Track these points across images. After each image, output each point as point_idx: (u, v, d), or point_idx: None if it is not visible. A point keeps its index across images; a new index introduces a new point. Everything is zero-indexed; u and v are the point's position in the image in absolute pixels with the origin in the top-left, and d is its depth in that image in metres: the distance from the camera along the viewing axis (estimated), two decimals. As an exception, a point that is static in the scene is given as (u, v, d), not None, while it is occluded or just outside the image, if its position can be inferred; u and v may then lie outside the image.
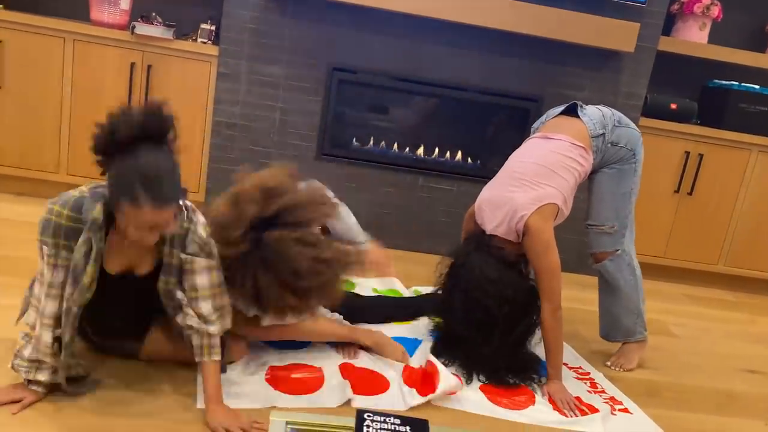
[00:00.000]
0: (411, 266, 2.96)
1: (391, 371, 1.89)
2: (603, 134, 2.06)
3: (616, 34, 2.90)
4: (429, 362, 1.85)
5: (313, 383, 1.75)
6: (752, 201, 3.29)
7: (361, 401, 1.69)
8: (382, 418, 1.35)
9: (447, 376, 1.78)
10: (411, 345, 2.06)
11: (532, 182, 1.94)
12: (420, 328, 2.22)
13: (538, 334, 1.96)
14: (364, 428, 1.31)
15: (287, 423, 1.36)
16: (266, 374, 1.76)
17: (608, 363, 2.25)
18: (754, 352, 2.61)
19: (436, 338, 2.08)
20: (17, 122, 2.88)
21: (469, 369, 1.94)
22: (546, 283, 1.90)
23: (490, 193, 2.02)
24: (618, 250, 2.15)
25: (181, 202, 1.43)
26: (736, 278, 3.41)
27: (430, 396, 1.74)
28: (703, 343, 2.61)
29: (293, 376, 1.77)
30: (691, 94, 3.44)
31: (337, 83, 2.99)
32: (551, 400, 1.89)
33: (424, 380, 1.82)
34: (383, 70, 3.02)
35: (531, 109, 3.11)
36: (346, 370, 1.84)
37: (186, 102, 2.94)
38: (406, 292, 2.56)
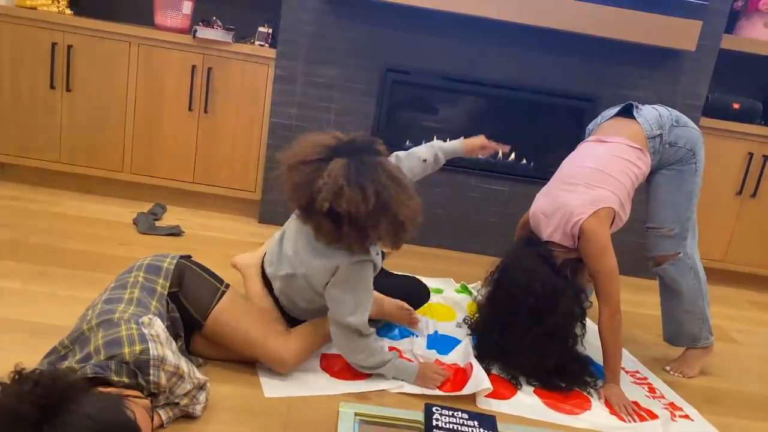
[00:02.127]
0: (461, 266, 2.96)
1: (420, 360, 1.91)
2: (660, 135, 2.02)
3: (677, 33, 2.83)
4: (468, 363, 1.85)
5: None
6: None
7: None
8: (450, 413, 1.37)
9: (479, 378, 1.77)
10: (451, 344, 2.07)
11: (587, 185, 1.92)
12: (464, 329, 2.22)
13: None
14: (433, 421, 1.32)
15: (356, 414, 1.39)
16: (320, 363, 1.83)
17: (667, 368, 2.21)
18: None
19: (474, 341, 2.06)
20: (85, 124, 3.02)
21: (510, 372, 1.93)
22: (604, 287, 1.88)
23: (544, 200, 2.02)
24: (679, 253, 2.11)
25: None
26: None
27: (454, 393, 1.75)
28: (767, 350, 2.53)
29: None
30: (756, 94, 3.32)
31: (391, 84, 3.02)
32: (608, 404, 1.87)
33: (454, 378, 1.83)
34: (436, 71, 3.03)
35: (586, 109, 3.07)
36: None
37: (244, 103, 3.01)
38: (452, 290, 2.58)
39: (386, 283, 2.17)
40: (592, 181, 1.92)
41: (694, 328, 2.16)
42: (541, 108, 3.17)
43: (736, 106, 3.09)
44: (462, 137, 2.22)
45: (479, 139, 2.19)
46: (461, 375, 1.83)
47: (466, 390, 1.76)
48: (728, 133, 3.08)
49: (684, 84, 3.02)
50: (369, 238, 1.57)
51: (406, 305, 2.04)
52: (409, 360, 1.89)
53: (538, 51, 3.01)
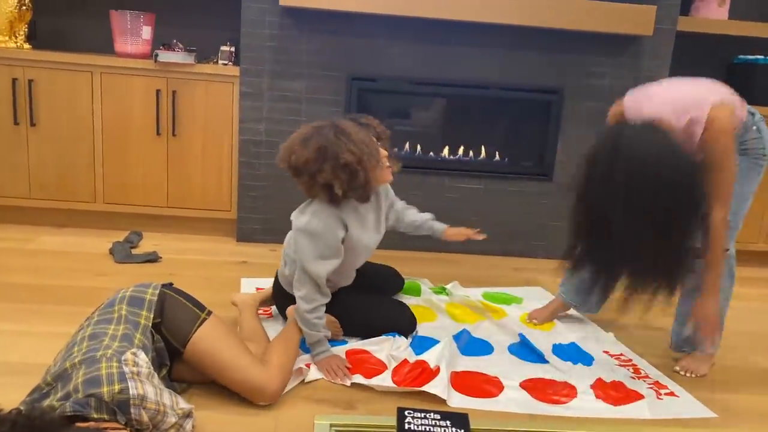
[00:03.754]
0: (443, 267, 2.97)
1: (393, 362, 1.92)
2: (753, 113, 1.91)
3: (633, 19, 2.88)
4: (437, 366, 1.86)
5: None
6: None
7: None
8: (423, 414, 1.37)
9: (440, 383, 1.78)
10: (428, 344, 2.07)
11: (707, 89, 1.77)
12: (444, 330, 2.22)
13: None
14: (406, 425, 1.33)
15: (331, 425, 1.39)
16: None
17: (677, 368, 2.08)
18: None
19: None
20: (53, 157, 2.99)
21: (609, 266, 1.71)
22: (723, 186, 1.72)
23: (651, 91, 1.84)
24: (727, 249, 1.95)
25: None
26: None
27: (408, 389, 1.77)
28: (750, 323, 2.56)
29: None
30: (717, 73, 3.39)
31: (357, 92, 3.03)
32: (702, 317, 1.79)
33: (418, 375, 1.83)
34: (402, 76, 3.04)
35: (552, 101, 3.10)
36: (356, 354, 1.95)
37: (212, 123, 3.01)
38: (429, 290, 2.60)
39: (377, 307, 2.19)
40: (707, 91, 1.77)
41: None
42: (508, 103, 3.20)
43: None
44: (447, 226, 2.37)
45: (458, 231, 2.34)
46: (426, 374, 1.83)
47: (426, 388, 1.76)
48: (693, 113, 3.13)
49: (645, 68, 3.07)
50: (316, 184, 1.82)
51: (334, 320, 2.06)
52: (381, 361, 1.93)
53: (501, 48, 3.04)
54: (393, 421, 1.35)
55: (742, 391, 1.99)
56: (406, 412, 1.36)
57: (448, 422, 1.36)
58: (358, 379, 1.82)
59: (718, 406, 1.86)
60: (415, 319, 2.18)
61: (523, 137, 3.27)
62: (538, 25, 2.89)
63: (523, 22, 2.88)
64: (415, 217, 2.36)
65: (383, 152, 1.95)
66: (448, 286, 2.61)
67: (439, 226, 2.36)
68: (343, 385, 1.82)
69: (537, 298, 2.65)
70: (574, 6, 2.87)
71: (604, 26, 2.89)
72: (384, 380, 1.81)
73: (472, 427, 1.41)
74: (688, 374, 2.06)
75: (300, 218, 1.90)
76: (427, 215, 2.38)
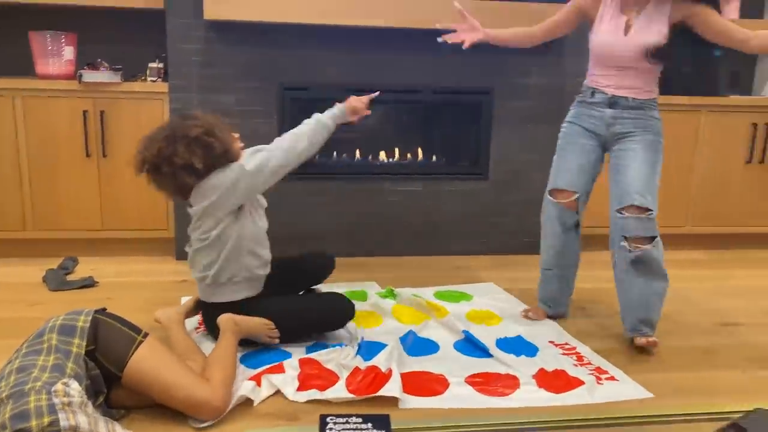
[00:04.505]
0: (391, 271, 2.99)
1: (344, 371, 1.92)
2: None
3: (554, 18, 2.97)
4: (389, 369, 1.87)
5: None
6: (708, 159, 3.37)
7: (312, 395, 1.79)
8: (344, 419, 1.39)
9: (394, 385, 1.79)
10: (375, 348, 2.08)
11: None
12: (391, 333, 2.24)
13: None
14: (327, 430, 1.33)
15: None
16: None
17: (642, 341, 2.17)
18: (729, 305, 2.68)
19: None
20: (-24, 185, 2.87)
21: None
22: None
23: None
24: (656, 236, 2.15)
25: None
26: (703, 237, 3.49)
27: (366, 396, 1.77)
28: (681, 304, 2.68)
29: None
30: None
31: (290, 102, 3.02)
32: None
33: (372, 381, 1.83)
34: (335, 83, 3.06)
35: (484, 101, 3.17)
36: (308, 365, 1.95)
37: (143, 142, 2.94)
38: (375, 295, 2.61)
39: (310, 302, 2.18)
40: None
41: (657, 314, 2.18)
42: (442, 106, 3.26)
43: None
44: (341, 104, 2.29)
45: (354, 100, 2.30)
46: (379, 378, 1.84)
47: (382, 392, 1.76)
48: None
49: (569, 65, 3.17)
50: (178, 170, 1.85)
51: (268, 322, 2.02)
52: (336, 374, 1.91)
53: (431, 53, 3.09)
54: (315, 429, 1.35)
55: (676, 370, 2.08)
56: (328, 419, 1.37)
57: (370, 424, 1.37)
58: (314, 394, 1.78)
59: (653, 386, 1.94)
60: (352, 304, 2.15)
61: (459, 138, 3.33)
62: (465, 28, 2.96)
63: (449, 27, 2.93)
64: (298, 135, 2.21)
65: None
66: (396, 289, 2.63)
67: (337, 113, 2.31)
68: None
69: (488, 293, 2.71)
70: (498, 9, 2.95)
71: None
72: (339, 391, 1.79)
73: (417, 426, 1.44)
74: (651, 341, 2.16)
75: (207, 194, 1.91)
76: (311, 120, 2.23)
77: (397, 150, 3.33)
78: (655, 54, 2.10)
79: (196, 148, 1.86)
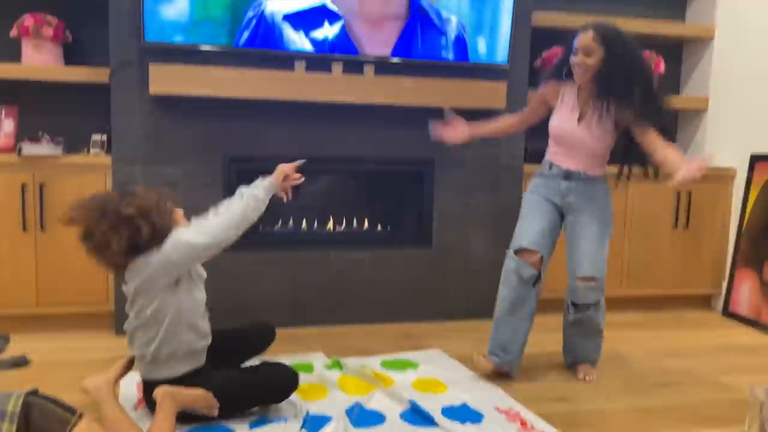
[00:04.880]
0: (338, 341, 2.98)
1: None
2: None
3: (488, 95, 3.16)
4: None
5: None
6: (639, 225, 3.55)
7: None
8: None
9: None
10: (320, 422, 2.05)
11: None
12: (337, 405, 2.21)
13: None
14: None
15: None
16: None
17: (580, 376, 2.58)
18: (667, 365, 2.77)
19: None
20: None
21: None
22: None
23: None
24: (599, 300, 2.52)
25: None
26: (639, 299, 3.63)
27: None
28: (619, 365, 2.76)
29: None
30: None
31: (236, 173, 3.06)
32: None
33: None
34: (281, 155, 3.07)
35: (425, 171, 3.29)
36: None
37: (84, 214, 2.90)
38: (321, 366, 2.58)
39: (252, 373, 2.14)
40: None
41: (597, 354, 2.62)
42: (386, 176, 3.36)
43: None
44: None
45: (283, 166, 2.29)
46: None
47: None
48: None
49: (504, 138, 3.33)
50: (95, 240, 1.82)
51: (207, 393, 1.97)
52: None
53: (375, 126, 3.20)
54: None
55: (618, 431, 2.13)
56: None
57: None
58: None
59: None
60: (296, 375, 2.13)
61: (403, 206, 3.42)
62: (407, 104, 3.10)
63: (390, 102, 3.08)
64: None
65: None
66: (343, 360, 2.62)
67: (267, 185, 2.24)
68: None
69: (434, 361, 2.72)
70: (437, 85, 3.10)
71: (464, 102, 3.14)
72: None
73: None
74: (587, 378, 2.55)
75: (139, 273, 1.87)
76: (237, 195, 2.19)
77: (343, 219, 3.38)
78: (603, 144, 2.46)
79: (123, 228, 1.82)
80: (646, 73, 2.37)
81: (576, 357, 2.63)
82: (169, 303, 1.91)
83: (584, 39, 2.35)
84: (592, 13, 3.62)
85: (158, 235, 1.88)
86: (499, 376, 2.53)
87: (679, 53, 3.97)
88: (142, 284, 1.89)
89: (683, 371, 2.69)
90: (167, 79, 2.81)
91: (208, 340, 2.07)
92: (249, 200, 2.05)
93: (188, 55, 2.88)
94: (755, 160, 3.47)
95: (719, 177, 3.59)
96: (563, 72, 2.47)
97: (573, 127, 2.45)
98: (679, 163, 2.18)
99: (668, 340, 3.14)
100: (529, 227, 2.50)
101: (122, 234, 1.81)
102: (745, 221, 3.49)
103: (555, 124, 2.51)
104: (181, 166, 2.99)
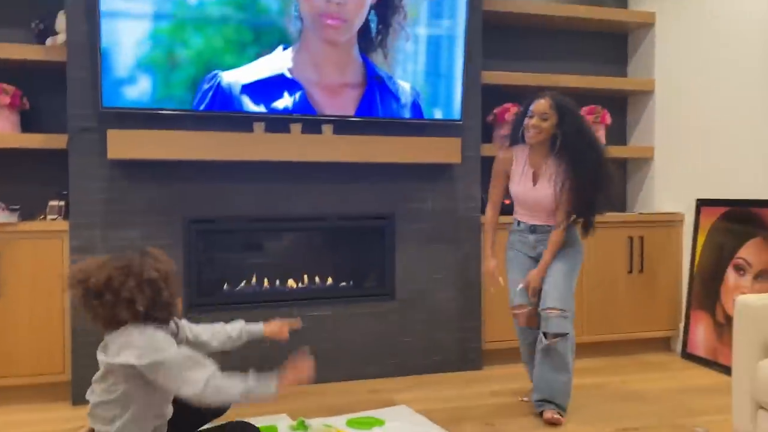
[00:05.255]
0: (303, 401, 2.94)
1: None
2: None
3: (444, 150, 3.26)
4: None
5: None
6: (595, 271, 3.62)
7: None
8: None
9: None
10: None
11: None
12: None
13: None
14: None
15: None
16: None
17: (548, 416, 2.64)
18: (626, 409, 2.81)
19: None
20: None
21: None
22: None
23: None
24: (567, 332, 2.65)
25: None
26: (598, 344, 3.66)
27: None
28: (582, 413, 2.78)
29: None
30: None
31: (196, 235, 3.06)
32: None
33: None
34: (241, 215, 3.14)
35: (386, 226, 3.34)
36: None
37: (41, 281, 2.86)
38: (286, 428, 2.56)
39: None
40: None
41: (566, 397, 2.68)
42: (347, 232, 3.41)
43: (507, 201, 3.54)
44: (262, 322, 2.29)
45: (276, 324, 2.32)
46: None
47: None
48: (506, 226, 3.50)
49: (461, 191, 3.43)
50: (120, 301, 1.77)
51: None
52: None
53: (335, 183, 3.26)
54: None
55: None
56: None
57: None
58: None
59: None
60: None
61: (365, 261, 3.45)
62: (366, 161, 3.18)
63: (348, 159, 3.15)
64: (228, 330, 2.24)
65: None
66: (308, 421, 2.59)
67: (257, 327, 2.29)
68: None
69: (400, 417, 2.70)
70: (395, 143, 3.19)
71: (420, 157, 3.24)
72: None
73: None
74: (554, 417, 2.62)
75: (125, 352, 1.78)
76: (239, 322, 2.27)
77: (305, 276, 3.39)
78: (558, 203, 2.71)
79: (147, 288, 1.80)
80: (597, 145, 2.71)
81: (545, 393, 2.67)
82: (140, 392, 1.83)
83: (542, 105, 2.65)
84: (540, 71, 3.82)
85: (169, 306, 1.87)
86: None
87: (624, 106, 4.18)
88: (121, 367, 1.80)
89: (645, 415, 2.73)
90: (125, 144, 2.84)
91: (171, 411, 2.02)
92: (253, 388, 1.95)
93: (147, 119, 2.92)
94: (701, 204, 3.62)
95: (668, 222, 3.74)
96: (518, 135, 2.75)
97: (530, 189, 2.74)
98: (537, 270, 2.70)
99: (630, 384, 3.18)
100: (514, 284, 2.79)
101: (146, 293, 1.80)
102: (696, 264, 3.62)
103: (514, 189, 2.81)
104: (139, 229, 2.98)
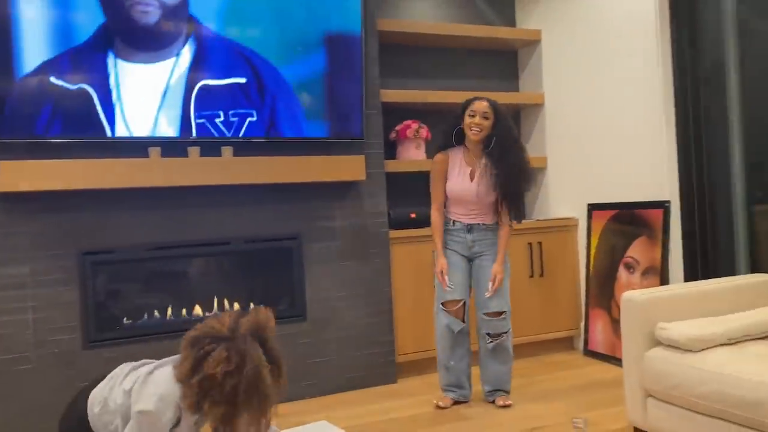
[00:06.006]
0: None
1: None
2: None
3: (348, 168, 3.30)
4: None
5: None
6: None
7: None
8: None
9: None
10: None
11: None
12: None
13: None
14: None
15: None
16: None
17: (500, 403, 2.94)
18: (535, 410, 2.92)
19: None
20: None
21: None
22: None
23: None
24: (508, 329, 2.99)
25: None
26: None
27: None
28: (492, 417, 2.86)
29: None
30: (428, 202, 3.95)
31: (92, 267, 2.92)
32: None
33: None
34: (140, 243, 3.03)
35: (293, 246, 3.32)
36: None
37: None
38: None
39: None
40: None
41: (509, 381, 3.02)
42: (254, 254, 3.35)
43: (413, 215, 3.63)
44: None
45: None
46: None
47: None
48: (414, 239, 3.58)
49: (368, 207, 3.47)
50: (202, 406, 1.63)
51: None
52: None
53: (239, 205, 3.21)
54: None
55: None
56: None
57: None
58: None
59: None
60: None
61: (274, 283, 3.41)
62: (270, 182, 3.16)
63: (256, 181, 3.12)
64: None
65: None
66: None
67: None
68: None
69: (321, 432, 2.68)
70: (298, 163, 3.19)
71: (325, 176, 3.26)
72: None
73: None
74: (506, 403, 2.93)
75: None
76: None
77: (214, 303, 3.31)
78: (494, 195, 2.94)
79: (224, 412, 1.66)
80: (521, 144, 3.02)
81: (495, 385, 3.00)
82: None
83: (483, 105, 2.90)
84: (436, 88, 3.95)
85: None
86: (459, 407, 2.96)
87: (518, 119, 4.38)
88: None
89: (551, 414, 2.85)
90: (11, 176, 2.67)
91: None
92: None
93: (32, 148, 2.77)
94: (592, 209, 3.85)
95: (564, 227, 3.94)
96: (453, 138, 2.97)
97: (468, 186, 2.92)
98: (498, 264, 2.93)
99: (537, 385, 3.31)
100: (449, 282, 2.93)
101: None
102: (591, 265, 3.84)
103: (453, 187, 2.95)
104: (29, 264, 2.81)
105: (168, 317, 3.18)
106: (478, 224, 2.96)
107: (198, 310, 3.25)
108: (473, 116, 2.89)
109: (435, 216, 3.03)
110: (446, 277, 2.92)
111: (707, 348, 2.07)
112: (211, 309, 3.28)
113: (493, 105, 2.92)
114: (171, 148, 3.00)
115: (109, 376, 1.93)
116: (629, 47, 3.52)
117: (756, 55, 3.13)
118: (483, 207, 2.95)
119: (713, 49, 3.25)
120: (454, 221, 2.99)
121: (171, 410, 1.71)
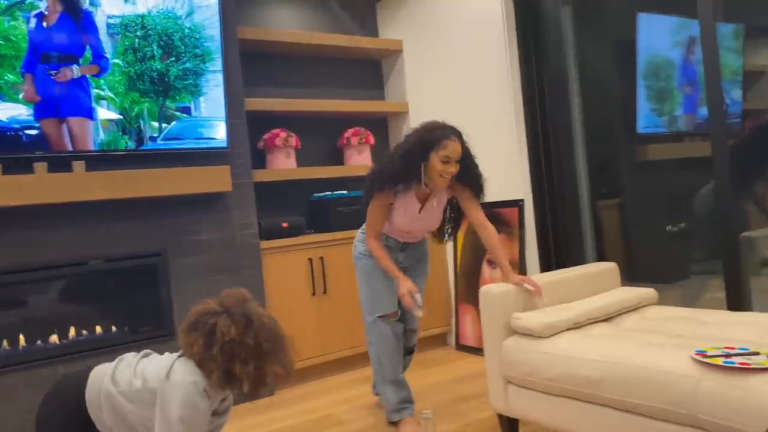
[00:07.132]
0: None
1: None
2: None
3: (213, 179, 3.22)
4: None
5: None
6: (276, 297, 3.64)
7: None
8: None
9: None
10: None
11: None
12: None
13: None
14: None
15: None
16: None
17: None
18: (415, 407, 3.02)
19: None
20: None
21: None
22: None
23: None
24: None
25: None
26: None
27: None
28: (367, 419, 2.92)
29: None
30: (300, 210, 3.97)
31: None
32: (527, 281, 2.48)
33: None
34: (-18, 270, 2.77)
35: (158, 263, 3.19)
36: None
37: None
38: None
39: None
40: None
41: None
42: (113, 274, 3.18)
43: (284, 224, 3.62)
44: None
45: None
46: None
47: None
48: (286, 248, 3.57)
49: (237, 218, 3.42)
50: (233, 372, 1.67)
51: None
52: None
53: (93, 223, 3.04)
54: None
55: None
56: None
57: None
58: None
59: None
60: None
61: (137, 303, 3.25)
62: (128, 197, 3.01)
63: (112, 196, 2.96)
64: None
65: None
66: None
67: None
68: None
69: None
70: (158, 175, 3.07)
71: (189, 189, 3.16)
72: None
73: None
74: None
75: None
76: None
77: (72, 328, 3.09)
78: (438, 229, 2.85)
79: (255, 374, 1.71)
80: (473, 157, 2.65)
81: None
82: None
83: (456, 149, 2.50)
84: (301, 96, 3.97)
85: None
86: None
87: (385, 126, 4.51)
88: None
89: (418, 411, 2.95)
90: None
91: None
92: None
93: None
94: (457, 210, 4.05)
95: (433, 229, 4.10)
96: (413, 177, 2.54)
97: (416, 218, 2.67)
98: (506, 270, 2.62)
99: (412, 382, 3.41)
100: (381, 293, 2.75)
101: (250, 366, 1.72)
102: (458, 264, 4.02)
103: (398, 221, 2.68)
104: None
105: (20, 347, 2.94)
106: (412, 243, 2.83)
107: (54, 338, 3.03)
108: (447, 162, 2.49)
109: (374, 244, 2.69)
110: (417, 296, 2.57)
111: (556, 333, 2.24)
112: (68, 336, 3.07)
113: (460, 137, 2.55)
114: (11, 163, 2.78)
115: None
116: (483, 58, 3.75)
117: (593, 66, 3.46)
118: (426, 231, 2.83)
119: (555, 59, 3.55)
120: (388, 237, 2.76)
121: (204, 401, 1.70)
